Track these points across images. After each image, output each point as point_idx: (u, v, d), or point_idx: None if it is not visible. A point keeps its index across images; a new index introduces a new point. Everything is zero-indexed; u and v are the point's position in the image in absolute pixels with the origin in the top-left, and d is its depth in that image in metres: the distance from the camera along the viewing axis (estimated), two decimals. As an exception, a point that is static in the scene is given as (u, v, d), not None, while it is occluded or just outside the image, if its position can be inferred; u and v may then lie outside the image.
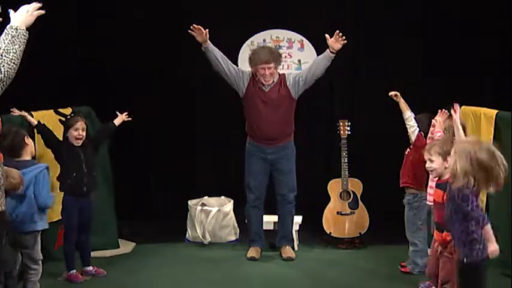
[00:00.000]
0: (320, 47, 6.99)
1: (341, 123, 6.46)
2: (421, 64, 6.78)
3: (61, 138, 5.46)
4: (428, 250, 5.56)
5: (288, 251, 6.10)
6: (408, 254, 5.62)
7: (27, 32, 3.44)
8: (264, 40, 6.83)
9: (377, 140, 6.82)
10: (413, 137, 5.53)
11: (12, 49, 3.36)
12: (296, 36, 7.00)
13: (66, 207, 5.38)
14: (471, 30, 6.65)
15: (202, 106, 7.19)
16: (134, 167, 7.02)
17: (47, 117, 5.53)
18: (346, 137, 6.41)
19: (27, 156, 4.83)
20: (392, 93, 5.69)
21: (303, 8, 6.99)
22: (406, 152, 5.65)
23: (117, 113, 5.82)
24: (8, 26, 3.42)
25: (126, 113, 5.84)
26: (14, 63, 3.37)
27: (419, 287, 5.23)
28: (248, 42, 6.99)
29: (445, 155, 4.29)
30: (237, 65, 6.93)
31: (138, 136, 7.01)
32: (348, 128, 6.45)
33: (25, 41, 3.43)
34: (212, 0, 7.02)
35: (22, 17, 3.43)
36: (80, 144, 5.40)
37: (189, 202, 6.69)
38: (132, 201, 6.86)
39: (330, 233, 6.44)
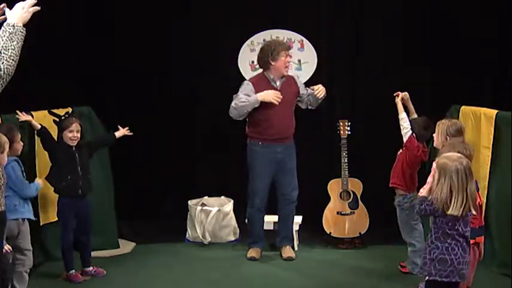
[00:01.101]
0: (320, 47, 7.02)
1: (341, 123, 6.46)
2: (421, 64, 6.77)
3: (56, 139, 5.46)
4: (428, 249, 5.57)
5: (288, 251, 6.10)
6: (408, 254, 5.62)
7: (24, 29, 3.46)
8: (264, 40, 6.82)
9: (377, 140, 6.81)
10: (405, 139, 5.53)
11: (11, 46, 3.39)
12: (296, 36, 6.99)
13: (62, 208, 5.38)
14: (471, 30, 6.65)
15: (202, 106, 7.19)
16: (134, 167, 7.02)
17: (48, 118, 5.52)
18: (346, 137, 6.41)
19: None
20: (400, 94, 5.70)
21: (303, 8, 6.98)
22: (398, 153, 5.65)
23: (119, 126, 5.84)
24: (4, 24, 3.44)
25: (127, 128, 5.86)
26: (13, 59, 3.39)
27: (419, 287, 5.23)
28: (248, 42, 6.99)
29: None
30: (236, 65, 6.96)
31: (138, 136, 6.99)
32: (348, 128, 6.45)
33: (23, 37, 3.45)
34: (212, 0, 7.02)
35: (18, 14, 3.46)
36: (74, 144, 5.39)
37: (189, 202, 6.69)
38: (132, 201, 6.86)
39: (330, 233, 6.44)
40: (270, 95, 5.75)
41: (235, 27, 7.06)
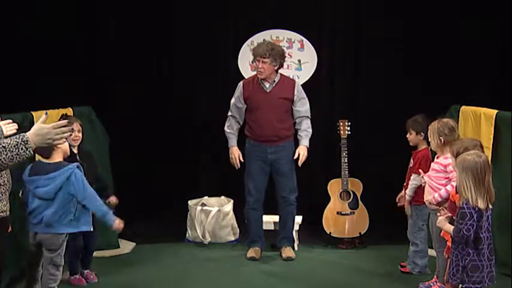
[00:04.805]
0: (320, 47, 7.03)
1: (341, 123, 6.46)
2: (421, 64, 6.77)
3: None
4: (429, 250, 5.57)
5: (288, 251, 6.10)
6: (408, 254, 5.62)
7: (31, 154, 3.18)
8: (264, 40, 6.81)
9: (377, 140, 6.82)
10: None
11: (7, 156, 3.12)
12: (296, 36, 7.00)
13: None
14: (471, 30, 6.65)
15: (203, 106, 7.19)
16: (134, 167, 7.02)
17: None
18: (346, 137, 6.41)
19: (58, 158, 4.51)
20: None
21: (303, 8, 6.99)
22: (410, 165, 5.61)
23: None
24: (24, 138, 3.12)
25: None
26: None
27: (419, 287, 5.24)
28: (248, 42, 6.99)
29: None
30: (237, 66, 6.97)
31: (138, 136, 7.00)
32: (348, 128, 6.45)
33: (21, 159, 3.15)
34: (212, 0, 7.02)
35: (40, 136, 3.14)
36: (77, 145, 5.34)
37: (189, 202, 6.70)
38: (132, 201, 6.84)
39: (330, 233, 6.44)
40: (233, 156, 6.06)
41: (235, 27, 7.06)
